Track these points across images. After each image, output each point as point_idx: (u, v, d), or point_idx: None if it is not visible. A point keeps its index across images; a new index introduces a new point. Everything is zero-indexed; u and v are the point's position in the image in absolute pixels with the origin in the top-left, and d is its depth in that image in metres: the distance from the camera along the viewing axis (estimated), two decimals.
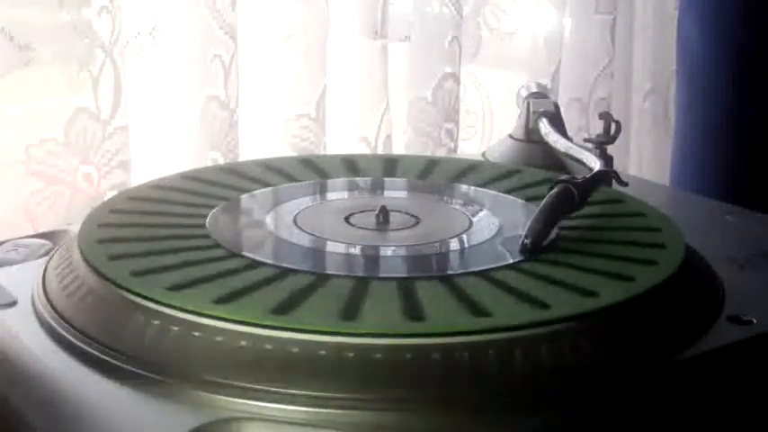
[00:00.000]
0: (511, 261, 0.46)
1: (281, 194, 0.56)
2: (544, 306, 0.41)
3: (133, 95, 0.76)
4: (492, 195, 0.56)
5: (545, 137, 0.65)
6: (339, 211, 0.53)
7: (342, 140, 0.91)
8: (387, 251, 0.48)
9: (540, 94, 0.69)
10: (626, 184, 0.58)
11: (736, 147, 0.88)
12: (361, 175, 0.60)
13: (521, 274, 0.44)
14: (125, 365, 0.39)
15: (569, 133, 0.67)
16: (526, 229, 0.47)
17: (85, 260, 0.44)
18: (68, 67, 0.71)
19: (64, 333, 0.41)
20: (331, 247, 0.48)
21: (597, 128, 0.66)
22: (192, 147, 0.79)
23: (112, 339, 0.40)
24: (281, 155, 0.82)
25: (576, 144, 0.62)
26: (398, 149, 0.95)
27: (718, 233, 0.57)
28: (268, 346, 0.37)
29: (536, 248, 0.47)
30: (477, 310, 0.40)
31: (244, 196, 0.55)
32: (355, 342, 0.37)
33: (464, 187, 0.58)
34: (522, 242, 0.47)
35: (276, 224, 0.51)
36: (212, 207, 0.52)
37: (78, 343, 0.40)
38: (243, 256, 0.45)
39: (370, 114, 0.91)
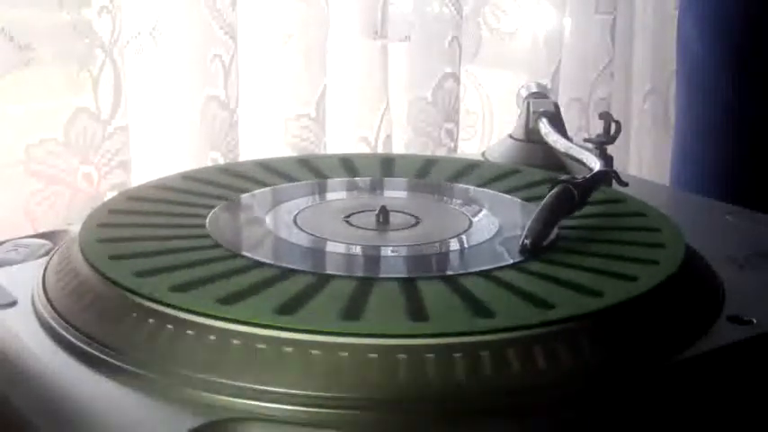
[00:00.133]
0: (512, 261, 0.46)
1: (280, 194, 0.56)
2: (548, 306, 0.41)
3: (133, 95, 0.76)
4: (492, 195, 0.56)
5: (545, 137, 0.65)
6: (339, 211, 0.53)
7: (342, 140, 0.91)
8: (388, 251, 0.48)
9: (540, 94, 0.69)
10: (626, 184, 0.58)
11: (736, 147, 0.88)
12: (359, 175, 0.60)
13: (523, 273, 0.44)
14: (125, 365, 0.39)
15: (569, 133, 0.67)
16: (526, 229, 0.47)
17: (86, 260, 0.44)
18: (68, 67, 0.71)
19: (64, 333, 0.41)
20: (332, 247, 0.48)
21: (597, 128, 0.66)
22: (192, 147, 0.79)
23: (113, 339, 0.40)
24: (281, 155, 0.82)
25: (576, 144, 0.62)
26: (398, 149, 0.95)
27: (718, 233, 0.57)
28: (274, 347, 0.37)
29: (536, 249, 0.47)
30: (481, 310, 0.40)
31: (243, 196, 0.55)
32: (359, 342, 0.37)
33: (464, 187, 0.58)
34: (522, 242, 0.47)
35: (276, 224, 0.51)
36: (212, 207, 0.52)
37: (78, 343, 0.40)
38: (244, 257, 0.45)
39: (370, 114, 0.91)
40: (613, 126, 0.64)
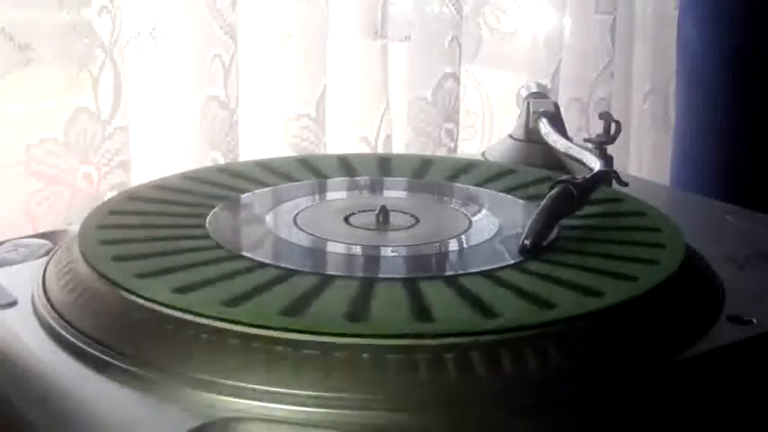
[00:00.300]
0: (513, 261, 0.46)
1: (280, 194, 0.56)
2: (550, 306, 0.41)
3: (133, 95, 0.76)
4: (492, 195, 0.56)
5: (545, 137, 0.65)
6: (339, 211, 0.53)
7: (342, 140, 0.91)
8: (389, 251, 0.48)
9: (540, 94, 0.69)
10: (626, 184, 0.58)
11: (736, 147, 0.88)
12: (359, 175, 0.60)
13: (525, 273, 0.44)
14: (125, 365, 0.38)
15: (569, 133, 0.67)
16: (526, 229, 0.47)
17: (86, 260, 0.44)
18: (68, 67, 0.71)
19: (64, 333, 0.41)
20: (333, 247, 0.48)
21: (597, 128, 0.66)
22: (192, 147, 0.79)
23: (113, 339, 0.40)
24: (281, 155, 0.82)
25: (576, 144, 0.62)
26: (398, 149, 0.95)
27: (718, 233, 0.57)
28: (278, 348, 0.37)
29: (536, 249, 0.47)
30: (484, 310, 0.40)
31: (243, 196, 0.55)
32: (366, 343, 0.37)
33: (464, 187, 0.58)
34: (522, 242, 0.47)
35: (277, 224, 0.51)
36: (212, 207, 0.52)
37: (78, 343, 0.40)
38: (245, 258, 0.45)
39: (370, 114, 0.91)
40: (613, 126, 0.64)
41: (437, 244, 0.49)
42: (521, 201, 0.55)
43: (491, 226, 0.51)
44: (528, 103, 0.67)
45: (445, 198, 0.57)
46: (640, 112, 1.22)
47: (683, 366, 0.40)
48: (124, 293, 0.41)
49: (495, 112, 1.04)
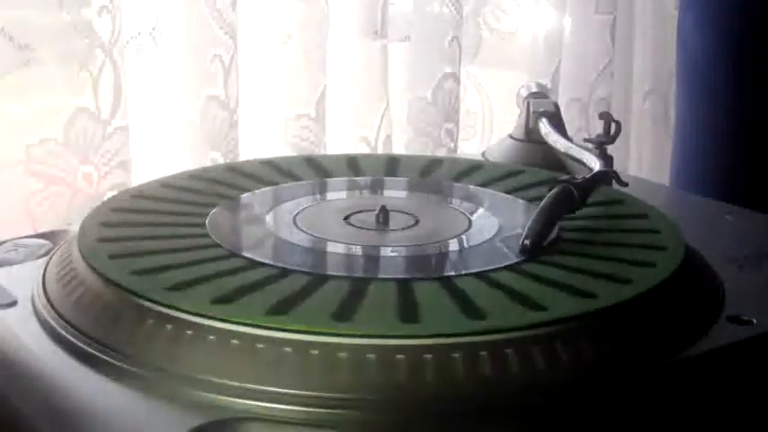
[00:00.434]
0: (509, 262, 0.46)
1: (281, 194, 0.56)
2: (541, 308, 0.40)
3: (133, 95, 0.76)
4: (493, 195, 0.56)
5: (545, 137, 0.65)
6: (339, 210, 0.53)
7: (342, 140, 0.91)
8: (385, 252, 0.48)
9: (540, 94, 0.69)
10: (626, 185, 0.58)
11: (736, 146, 0.88)
12: (365, 175, 0.60)
13: (519, 275, 0.44)
14: (125, 365, 0.39)
15: (569, 133, 0.67)
16: (526, 229, 0.47)
17: (85, 260, 0.44)
18: (68, 67, 0.71)
19: (64, 333, 0.41)
20: (330, 247, 0.48)
21: (597, 128, 0.66)
22: (192, 147, 0.79)
23: (112, 339, 0.40)
24: (281, 155, 0.82)
25: (576, 144, 0.62)
26: (398, 149, 0.95)
27: (718, 233, 0.57)
28: (263, 347, 0.37)
29: (536, 249, 0.47)
30: (472, 311, 0.40)
31: (244, 196, 0.55)
32: (349, 343, 0.37)
33: (465, 187, 0.58)
34: (522, 242, 0.47)
35: (275, 224, 0.51)
36: (213, 206, 0.52)
37: (78, 343, 0.40)
38: (241, 256, 0.45)
39: (370, 114, 0.91)
40: (613, 126, 0.64)
41: (435, 244, 0.49)
42: (522, 201, 0.55)
43: (491, 226, 0.51)
44: (528, 103, 0.67)
45: (447, 198, 0.57)
46: (640, 112, 1.22)
47: (683, 366, 0.40)
48: (121, 292, 0.41)
49: (495, 112, 1.04)
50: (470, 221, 0.52)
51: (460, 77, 0.98)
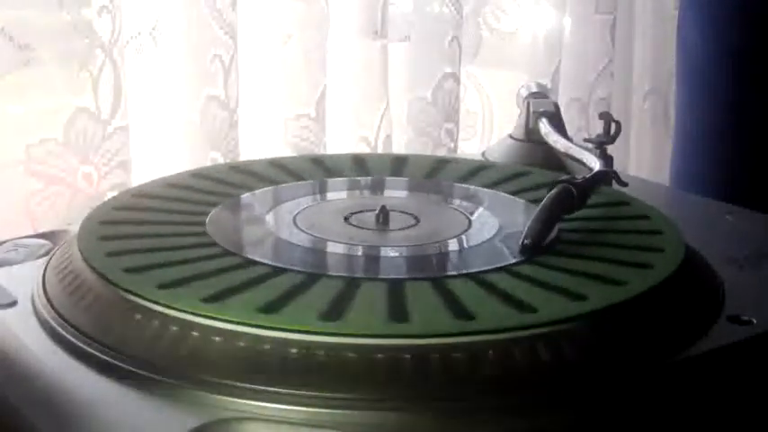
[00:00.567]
0: (504, 263, 0.45)
1: (282, 193, 0.55)
2: (532, 309, 0.40)
3: (133, 95, 0.76)
4: (495, 195, 0.56)
5: (545, 137, 0.65)
6: (339, 210, 0.53)
7: (342, 140, 0.91)
8: (382, 252, 0.48)
9: (540, 94, 0.69)
10: (626, 185, 0.58)
11: (737, 147, 0.88)
12: (371, 175, 0.60)
13: (513, 276, 0.44)
14: (125, 365, 0.39)
15: (569, 133, 0.67)
16: (525, 229, 0.47)
17: (85, 259, 0.44)
18: (68, 67, 0.71)
19: (64, 333, 0.41)
20: (327, 246, 0.48)
21: (597, 128, 0.66)
22: (192, 147, 0.79)
23: (110, 338, 0.40)
24: (281, 155, 0.82)
25: (575, 144, 0.62)
26: (398, 149, 0.95)
27: (718, 233, 0.57)
28: (253, 345, 0.37)
29: (536, 249, 0.47)
30: (461, 312, 0.40)
31: (244, 195, 0.55)
32: (334, 342, 0.37)
33: (467, 187, 0.58)
34: (522, 242, 0.47)
35: (275, 223, 0.51)
36: (214, 206, 0.52)
37: (78, 343, 0.40)
38: (238, 255, 0.45)
39: (370, 114, 0.91)
40: (613, 126, 0.64)
41: (432, 245, 0.49)
42: (523, 201, 0.55)
43: (491, 227, 0.51)
44: (528, 103, 0.67)
45: (448, 198, 0.57)
46: (640, 112, 1.22)
47: (683, 366, 0.40)
48: (115, 289, 0.41)
49: (495, 112, 1.04)
50: (470, 222, 0.52)
51: (460, 77, 0.98)
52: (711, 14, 0.88)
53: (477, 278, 0.44)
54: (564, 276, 0.44)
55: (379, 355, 0.37)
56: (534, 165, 0.64)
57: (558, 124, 0.66)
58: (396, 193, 0.58)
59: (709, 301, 0.45)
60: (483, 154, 0.70)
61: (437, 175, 0.60)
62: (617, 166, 0.61)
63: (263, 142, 0.86)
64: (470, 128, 1.04)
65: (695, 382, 0.40)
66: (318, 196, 0.56)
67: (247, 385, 0.37)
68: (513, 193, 0.56)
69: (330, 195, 0.57)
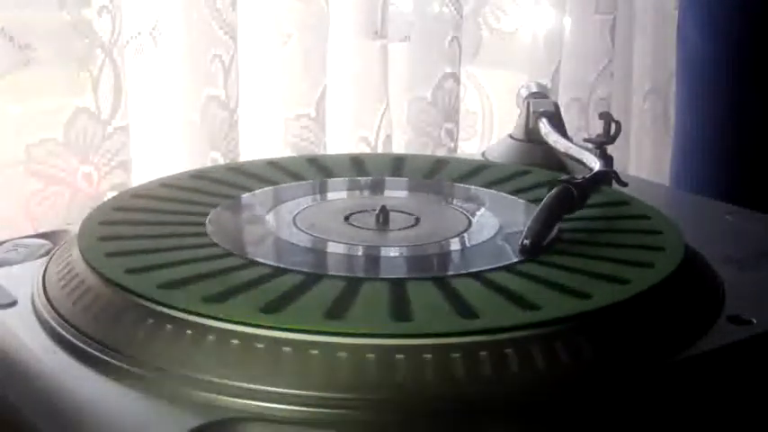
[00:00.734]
0: (506, 262, 0.46)
1: (282, 194, 0.55)
2: (535, 308, 0.40)
3: (133, 95, 0.76)
4: (494, 195, 0.56)
5: (545, 137, 0.65)
6: (339, 210, 0.53)
7: (342, 140, 0.91)
8: (383, 251, 0.48)
9: (540, 94, 0.69)
10: (626, 185, 0.58)
11: (736, 146, 0.88)
12: (370, 175, 0.60)
13: (515, 275, 0.44)
14: (125, 365, 0.39)
15: (569, 133, 0.67)
16: (525, 229, 0.47)
17: (85, 259, 0.44)
18: (68, 67, 0.71)
19: (64, 333, 0.41)
20: (328, 246, 0.48)
21: (597, 128, 0.66)
22: (192, 147, 0.79)
23: (110, 338, 0.40)
24: (281, 155, 0.82)
25: (575, 144, 0.62)
26: (398, 149, 0.95)
27: (718, 233, 0.57)
28: (256, 345, 0.37)
29: (536, 249, 0.47)
30: (465, 311, 0.40)
31: (244, 195, 0.55)
32: (337, 342, 0.37)
33: (467, 187, 0.58)
34: (522, 242, 0.47)
35: (275, 223, 0.51)
36: (215, 206, 0.52)
37: (78, 343, 0.40)
38: (238, 255, 0.45)
39: (370, 114, 0.91)
40: (613, 126, 0.64)
41: (433, 244, 0.49)
42: (523, 201, 0.55)
43: (491, 226, 0.51)
44: (528, 103, 0.67)
45: (448, 198, 0.57)
46: (640, 112, 1.22)
47: (683, 366, 0.40)
48: (116, 290, 0.41)
49: (495, 112, 1.04)
50: (470, 221, 0.52)
51: (460, 77, 0.98)
52: (711, 14, 0.88)
53: (478, 277, 0.44)
54: (565, 274, 0.44)
55: (383, 355, 0.37)
56: (534, 165, 0.64)
57: (558, 124, 0.66)
58: (396, 193, 0.58)
59: (709, 301, 0.45)
60: (483, 154, 0.70)
61: (437, 175, 0.60)
62: (617, 166, 0.61)
63: (263, 142, 0.86)
64: (470, 128, 1.04)
65: (695, 382, 0.40)
66: (318, 196, 0.56)
67: (247, 385, 0.37)
68: (513, 193, 0.56)
69: (330, 195, 0.57)
